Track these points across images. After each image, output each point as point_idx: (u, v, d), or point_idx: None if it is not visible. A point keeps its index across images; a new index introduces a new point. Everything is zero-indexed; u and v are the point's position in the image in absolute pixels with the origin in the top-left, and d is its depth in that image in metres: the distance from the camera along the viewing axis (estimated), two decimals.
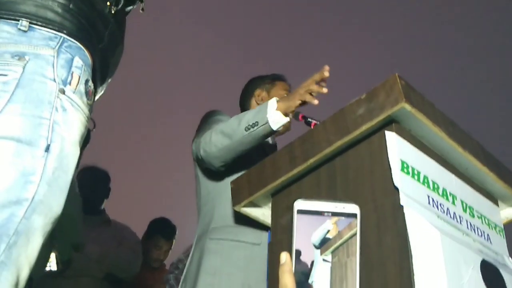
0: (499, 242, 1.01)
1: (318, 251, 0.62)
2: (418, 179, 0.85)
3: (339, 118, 0.90)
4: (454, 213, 0.90)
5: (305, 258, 0.62)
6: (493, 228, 1.02)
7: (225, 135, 1.44)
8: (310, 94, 1.35)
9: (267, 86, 1.84)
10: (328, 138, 0.91)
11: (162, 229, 3.02)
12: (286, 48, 7.53)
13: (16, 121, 0.77)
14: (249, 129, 1.39)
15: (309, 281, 0.61)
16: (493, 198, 1.08)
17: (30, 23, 0.85)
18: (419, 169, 0.86)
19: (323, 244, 0.62)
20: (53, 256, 1.91)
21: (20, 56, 0.81)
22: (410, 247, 0.75)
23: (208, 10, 7.39)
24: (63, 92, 0.83)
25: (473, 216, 0.96)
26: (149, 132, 7.13)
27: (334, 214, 0.63)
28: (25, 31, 0.84)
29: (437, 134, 0.88)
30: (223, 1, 7.46)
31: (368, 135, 0.88)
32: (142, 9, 1.09)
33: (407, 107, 0.81)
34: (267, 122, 1.36)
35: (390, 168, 0.81)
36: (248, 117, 1.41)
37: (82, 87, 0.88)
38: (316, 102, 1.34)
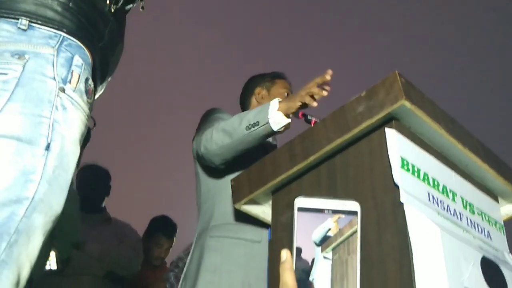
0: (499, 238, 1.01)
1: (319, 248, 0.62)
2: (418, 176, 0.85)
3: (339, 115, 0.90)
4: (454, 210, 0.90)
5: (305, 255, 0.62)
6: (493, 225, 1.01)
7: (226, 133, 1.44)
8: (311, 96, 1.37)
9: (267, 84, 1.84)
10: (328, 135, 0.91)
11: (163, 227, 3.01)
12: (286, 48, 7.53)
13: (16, 120, 0.77)
14: (249, 128, 1.39)
15: (310, 278, 0.61)
16: (493, 194, 1.08)
17: (29, 21, 0.84)
18: (419, 166, 0.86)
19: (324, 241, 0.62)
20: (52, 255, 1.91)
21: (20, 55, 0.81)
22: (410, 244, 0.75)
23: (208, 10, 7.40)
24: (63, 90, 0.83)
25: (473, 212, 0.96)
26: (149, 131, 7.14)
27: (335, 211, 0.63)
28: (25, 30, 0.84)
29: (437, 131, 0.88)
30: (223, 1, 7.46)
31: (368, 133, 0.88)
32: (142, 8, 1.08)
33: (407, 104, 0.81)
34: (267, 122, 1.36)
35: (390, 166, 0.81)
36: (249, 116, 1.41)
37: (82, 86, 0.88)
38: (316, 104, 1.37)
